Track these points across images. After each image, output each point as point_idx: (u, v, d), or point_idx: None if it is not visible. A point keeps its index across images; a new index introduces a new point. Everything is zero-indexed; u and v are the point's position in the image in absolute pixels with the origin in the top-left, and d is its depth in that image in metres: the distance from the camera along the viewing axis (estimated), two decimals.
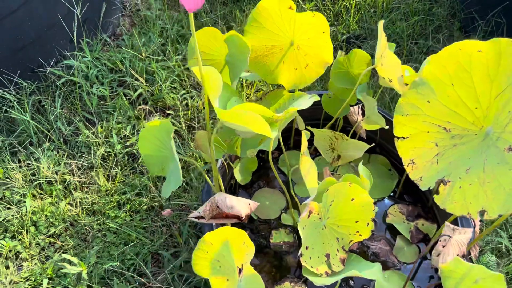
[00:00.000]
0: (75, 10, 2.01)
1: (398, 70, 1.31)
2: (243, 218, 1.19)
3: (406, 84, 1.27)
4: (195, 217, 1.21)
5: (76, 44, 2.12)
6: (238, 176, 1.54)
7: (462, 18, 2.44)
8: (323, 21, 1.31)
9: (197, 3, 0.83)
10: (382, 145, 1.76)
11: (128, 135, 2.01)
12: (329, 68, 1.48)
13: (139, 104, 2.13)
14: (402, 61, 2.28)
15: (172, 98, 2.13)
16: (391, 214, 1.59)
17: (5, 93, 1.97)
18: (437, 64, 0.96)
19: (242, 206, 1.19)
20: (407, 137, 1.03)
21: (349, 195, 1.15)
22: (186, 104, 2.14)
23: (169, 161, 1.22)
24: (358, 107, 1.65)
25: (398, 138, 1.04)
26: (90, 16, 2.17)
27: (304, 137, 1.23)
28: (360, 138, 1.67)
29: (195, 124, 2.07)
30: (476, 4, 2.30)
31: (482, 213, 0.92)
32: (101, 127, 2.03)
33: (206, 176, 1.35)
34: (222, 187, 1.36)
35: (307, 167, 1.21)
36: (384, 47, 1.35)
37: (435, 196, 0.99)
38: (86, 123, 2.07)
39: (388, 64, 1.34)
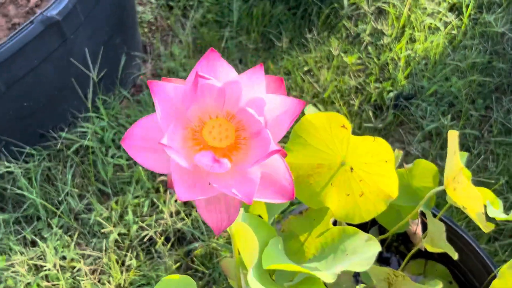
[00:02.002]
0: (90, 74, 1.79)
1: (478, 205, 1.05)
2: None
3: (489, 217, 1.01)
4: None
5: (91, 103, 1.90)
6: None
7: None
8: (387, 149, 1.05)
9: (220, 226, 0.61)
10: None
11: (145, 213, 1.79)
12: None
13: (159, 174, 1.90)
14: (458, 127, 2.00)
15: None
16: None
17: (11, 165, 1.77)
18: None
19: None
20: None
21: None
22: None
23: None
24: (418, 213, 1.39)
25: None
26: (107, 71, 1.94)
27: None
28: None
29: None
30: None
31: None
32: (116, 203, 1.81)
33: None
34: None
35: None
36: (458, 169, 1.09)
37: None
38: (99, 195, 1.85)
39: (464, 192, 1.07)
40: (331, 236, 1.11)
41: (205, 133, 0.60)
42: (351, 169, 1.10)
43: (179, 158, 0.55)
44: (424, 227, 1.45)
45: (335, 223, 1.31)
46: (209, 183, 0.59)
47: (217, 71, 0.60)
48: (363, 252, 1.01)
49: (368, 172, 1.09)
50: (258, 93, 0.59)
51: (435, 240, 1.25)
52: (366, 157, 1.08)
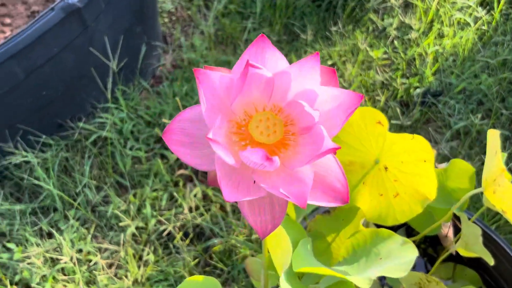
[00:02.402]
0: (110, 64, 1.74)
1: None
2: None
3: None
4: None
5: (110, 94, 1.86)
6: None
7: None
8: (426, 147, 0.99)
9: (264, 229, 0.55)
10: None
11: (164, 207, 1.75)
12: None
13: (178, 167, 1.86)
14: (488, 126, 1.92)
15: None
16: None
17: (29, 155, 1.73)
18: None
19: None
20: None
21: None
22: None
23: None
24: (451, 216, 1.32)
25: None
26: (127, 61, 1.90)
27: None
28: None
29: None
30: None
31: None
32: (134, 196, 1.77)
33: None
34: None
35: None
36: (499, 170, 1.02)
37: None
38: (117, 187, 1.81)
39: (505, 195, 1.01)
40: (363, 238, 1.05)
41: (251, 127, 0.55)
42: (386, 168, 1.05)
43: (225, 155, 0.50)
44: (456, 230, 1.39)
45: (365, 224, 1.25)
46: (254, 181, 0.54)
47: (265, 59, 0.55)
48: (399, 257, 0.95)
49: (404, 171, 1.03)
50: (310, 85, 0.54)
51: (470, 245, 1.19)
52: (402, 156, 1.02)
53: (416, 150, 0.99)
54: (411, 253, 0.94)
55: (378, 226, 1.16)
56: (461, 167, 1.19)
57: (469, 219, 1.30)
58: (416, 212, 1.04)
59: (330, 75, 0.57)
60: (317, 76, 0.53)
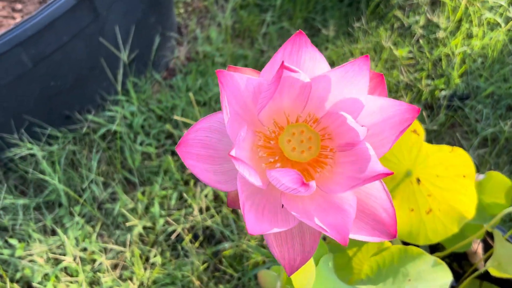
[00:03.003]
0: (121, 55, 1.66)
1: None
2: None
3: None
4: None
5: (121, 86, 1.78)
6: None
7: None
8: (466, 162, 0.89)
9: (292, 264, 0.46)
10: None
11: (173, 206, 1.67)
12: None
13: None
14: None
15: None
16: None
17: (34, 147, 1.66)
18: None
19: None
20: None
21: None
22: None
23: None
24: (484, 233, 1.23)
25: None
26: (140, 52, 1.81)
27: None
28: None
29: None
30: None
31: None
32: (142, 194, 1.69)
33: None
34: None
35: None
36: None
37: None
38: (125, 184, 1.74)
39: None
40: (390, 256, 0.96)
41: (282, 141, 0.46)
42: (418, 180, 0.95)
43: (250, 175, 0.41)
44: (486, 245, 1.29)
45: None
46: (282, 206, 0.45)
47: (301, 60, 0.46)
48: (431, 280, 0.86)
49: (440, 186, 0.94)
50: (354, 93, 0.45)
51: (504, 265, 1.09)
52: (438, 169, 0.93)
53: (454, 164, 0.89)
54: (445, 276, 0.85)
55: (405, 242, 1.07)
56: (498, 181, 1.09)
57: (502, 235, 1.20)
58: (451, 231, 0.94)
59: (376, 81, 0.48)
60: (364, 83, 0.44)
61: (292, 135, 0.46)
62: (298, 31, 0.44)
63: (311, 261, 0.78)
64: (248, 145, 0.46)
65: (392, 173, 0.40)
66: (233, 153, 0.40)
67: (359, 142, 0.43)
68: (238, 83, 0.44)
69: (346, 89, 0.45)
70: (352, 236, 0.45)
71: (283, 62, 0.41)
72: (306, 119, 0.47)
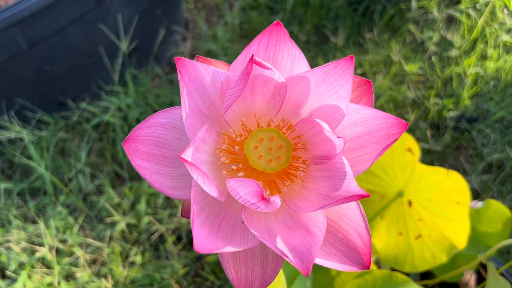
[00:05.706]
0: (121, 44, 1.61)
1: None
2: None
3: None
4: None
5: (119, 76, 1.73)
6: None
7: None
8: (462, 188, 0.83)
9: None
10: None
11: (160, 205, 1.61)
12: None
13: None
14: None
15: None
16: None
17: (23, 131, 1.61)
18: None
19: None
20: None
21: None
22: None
23: None
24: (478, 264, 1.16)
25: None
26: (142, 43, 1.76)
27: None
28: None
29: None
30: None
31: None
32: (130, 190, 1.64)
33: None
34: None
35: None
36: None
37: None
38: (114, 177, 1.68)
39: None
40: (373, 280, 0.89)
41: (248, 147, 0.40)
42: (410, 203, 0.89)
43: (205, 183, 0.35)
44: (479, 277, 1.23)
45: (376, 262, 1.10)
46: (242, 222, 0.39)
47: (278, 56, 0.40)
48: None
49: (432, 211, 0.87)
50: (335, 99, 0.39)
51: None
52: (432, 193, 0.86)
53: (449, 188, 0.83)
54: None
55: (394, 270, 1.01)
56: (496, 210, 1.03)
57: (496, 268, 1.13)
58: (440, 261, 0.87)
59: (363, 89, 0.42)
60: (347, 88, 0.38)
61: (260, 141, 0.40)
62: (276, 21, 0.38)
63: (282, 280, 0.72)
64: (209, 148, 0.40)
65: (368, 195, 0.34)
66: (186, 154, 0.34)
67: (335, 155, 0.37)
68: (202, 75, 0.38)
69: (327, 94, 0.39)
70: (319, 261, 0.39)
71: (252, 55, 0.35)
72: (279, 125, 0.41)
